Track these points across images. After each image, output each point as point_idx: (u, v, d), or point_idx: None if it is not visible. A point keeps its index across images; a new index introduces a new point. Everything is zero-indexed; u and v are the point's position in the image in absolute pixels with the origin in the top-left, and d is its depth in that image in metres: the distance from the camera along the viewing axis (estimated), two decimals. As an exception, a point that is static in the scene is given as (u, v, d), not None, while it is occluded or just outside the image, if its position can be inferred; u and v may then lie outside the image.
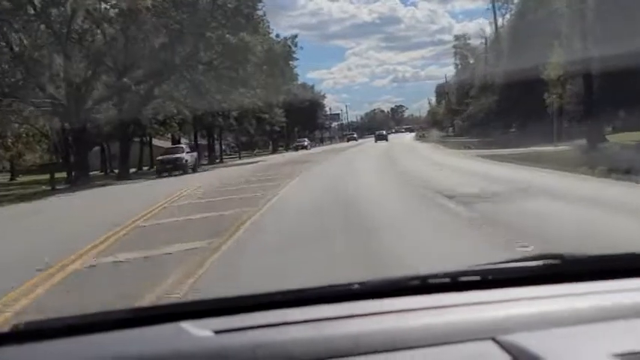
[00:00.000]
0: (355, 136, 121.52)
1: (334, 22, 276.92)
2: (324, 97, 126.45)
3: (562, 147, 31.29)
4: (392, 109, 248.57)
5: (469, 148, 50.56)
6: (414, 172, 25.22)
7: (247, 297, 1.69)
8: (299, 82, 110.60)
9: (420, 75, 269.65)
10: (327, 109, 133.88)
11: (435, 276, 1.75)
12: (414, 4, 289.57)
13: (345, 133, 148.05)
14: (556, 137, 34.95)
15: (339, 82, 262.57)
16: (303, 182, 24.79)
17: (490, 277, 1.78)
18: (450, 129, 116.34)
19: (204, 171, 47.83)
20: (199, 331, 1.48)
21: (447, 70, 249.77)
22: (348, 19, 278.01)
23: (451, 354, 1.38)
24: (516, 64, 46.69)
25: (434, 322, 1.50)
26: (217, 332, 1.47)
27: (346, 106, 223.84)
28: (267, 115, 72.74)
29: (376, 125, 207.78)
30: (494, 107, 67.46)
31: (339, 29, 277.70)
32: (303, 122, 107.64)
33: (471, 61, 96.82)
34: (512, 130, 71.60)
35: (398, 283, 1.75)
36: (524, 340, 1.38)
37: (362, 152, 54.31)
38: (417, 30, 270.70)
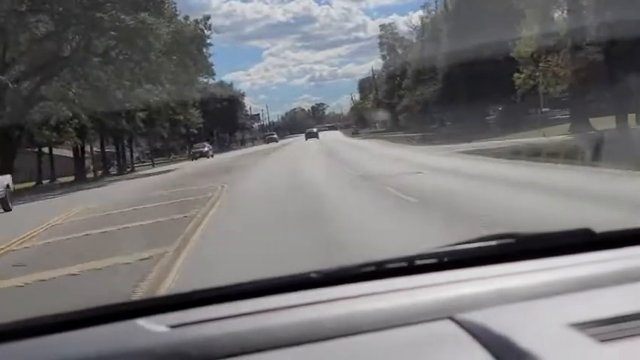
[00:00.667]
0: (275, 136, 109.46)
1: (249, 23, 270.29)
2: (243, 95, 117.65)
3: (560, 136, 24.63)
4: (312, 107, 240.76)
5: (411, 142, 44.49)
6: (415, 186, 15.94)
7: (202, 291, 1.67)
8: (216, 80, 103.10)
9: (338, 73, 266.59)
10: (247, 108, 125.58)
11: (391, 261, 1.76)
12: (328, 3, 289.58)
13: (266, 134, 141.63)
14: (539, 124, 28.42)
15: (257, 83, 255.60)
16: (228, 213, 15.32)
17: (446, 259, 1.78)
18: (377, 124, 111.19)
19: (101, 186, 39.73)
20: (155, 326, 1.47)
21: (364, 68, 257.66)
22: (262, 20, 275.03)
23: (409, 335, 1.39)
24: (463, 45, 40.40)
25: (390, 305, 1.50)
26: (173, 327, 1.46)
27: (267, 106, 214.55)
28: (181, 116, 64.84)
29: (297, 125, 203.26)
30: (435, 97, 61.71)
31: (254, 30, 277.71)
32: (223, 123, 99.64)
33: (400, 52, 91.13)
34: (449, 122, 66.31)
35: (354, 270, 1.74)
36: (481, 317, 1.40)
37: (298, 154, 46.81)
38: (332, 28, 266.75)
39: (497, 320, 1.38)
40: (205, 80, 56.87)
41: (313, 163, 33.02)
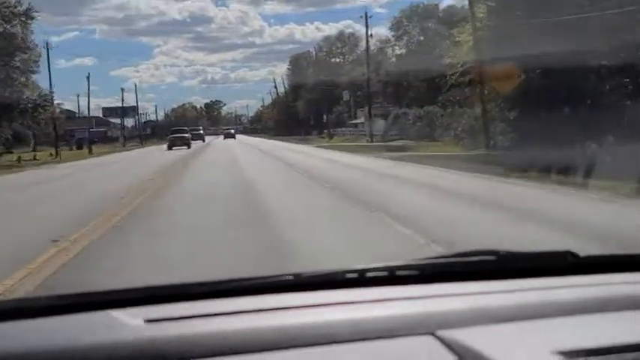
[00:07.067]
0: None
1: (142, 18, 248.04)
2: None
3: None
4: (206, 104, 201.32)
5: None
6: None
7: (178, 286, 1.67)
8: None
9: (230, 77, 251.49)
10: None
11: (372, 269, 1.73)
12: (225, 5, 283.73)
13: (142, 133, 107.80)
14: None
15: (146, 80, 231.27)
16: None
17: (427, 272, 1.76)
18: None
19: None
20: (130, 319, 1.45)
21: (257, 74, 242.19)
22: (156, 16, 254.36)
23: (390, 349, 1.35)
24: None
25: (370, 315, 1.47)
26: (148, 321, 1.44)
27: (135, 85, 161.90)
28: None
29: (186, 125, 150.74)
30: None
31: (146, 26, 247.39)
32: None
33: None
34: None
35: (333, 276, 1.71)
36: (464, 336, 1.36)
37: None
38: (227, 31, 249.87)
39: (482, 341, 1.32)
40: None
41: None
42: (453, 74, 24.98)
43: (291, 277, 1.68)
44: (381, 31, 63.75)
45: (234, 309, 1.49)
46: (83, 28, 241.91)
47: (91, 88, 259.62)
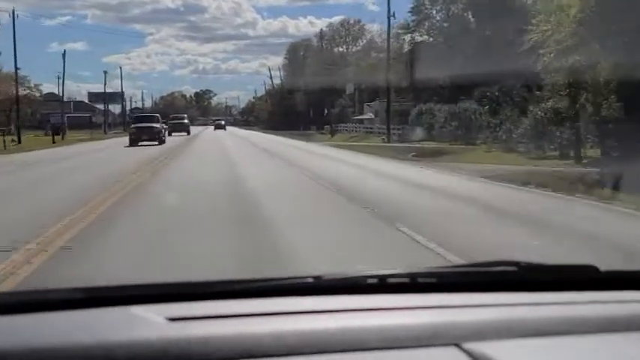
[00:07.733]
0: None
1: (135, 6, 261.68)
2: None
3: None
4: (196, 94, 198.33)
5: None
6: None
7: (199, 284, 1.65)
8: None
9: (221, 68, 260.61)
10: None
11: (394, 275, 1.71)
12: None
13: (127, 120, 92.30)
14: None
15: (137, 68, 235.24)
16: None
17: (448, 280, 1.74)
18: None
19: None
20: (152, 317, 1.41)
21: (248, 67, 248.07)
22: (150, 4, 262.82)
23: (414, 358, 1.33)
24: None
25: (396, 323, 1.44)
26: (171, 320, 1.41)
27: (120, 68, 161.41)
28: None
29: (173, 112, 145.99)
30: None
31: (139, 13, 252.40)
32: None
33: None
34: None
35: (354, 280, 1.70)
36: (491, 349, 1.33)
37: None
38: (220, 22, 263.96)
39: (509, 355, 1.30)
40: None
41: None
42: (545, 53, 17.57)
43: (311, 280, 1.64)
44: (379, 27, 59.70)
45: (257, 310, 1.46)
46: (76, 13, 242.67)
47: (81, 73, 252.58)
